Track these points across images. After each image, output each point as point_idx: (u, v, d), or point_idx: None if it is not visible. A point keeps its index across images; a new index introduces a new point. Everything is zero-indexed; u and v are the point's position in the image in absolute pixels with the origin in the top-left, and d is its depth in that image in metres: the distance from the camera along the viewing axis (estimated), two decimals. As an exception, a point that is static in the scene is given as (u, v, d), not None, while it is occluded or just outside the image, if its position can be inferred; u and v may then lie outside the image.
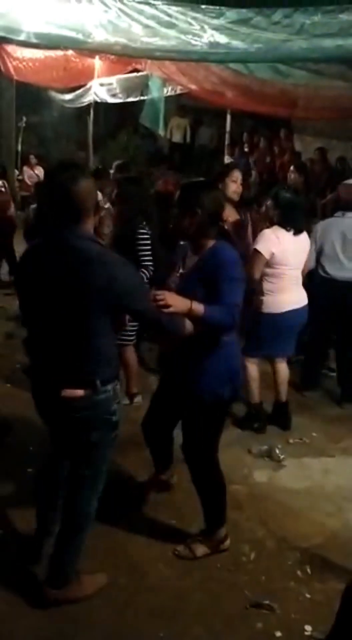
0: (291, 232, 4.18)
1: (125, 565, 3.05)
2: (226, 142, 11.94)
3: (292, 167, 8.90)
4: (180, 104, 12.63)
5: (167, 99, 10.05)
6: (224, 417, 3.10)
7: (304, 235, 4.35)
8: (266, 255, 4.12)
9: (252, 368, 4.40)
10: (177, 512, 3.48)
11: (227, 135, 11.85)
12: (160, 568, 3.05)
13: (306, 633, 2.70)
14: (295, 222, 4.20)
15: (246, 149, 12.85)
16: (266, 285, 4.21)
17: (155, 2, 4.13)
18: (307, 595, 2.93)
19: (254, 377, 4.43)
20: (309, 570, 3.09)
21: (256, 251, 4.13)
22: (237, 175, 4.55)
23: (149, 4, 4.21)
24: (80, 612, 2.74)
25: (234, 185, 4.51)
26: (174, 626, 2.72)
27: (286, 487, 3.80)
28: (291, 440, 4.34)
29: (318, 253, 4.80)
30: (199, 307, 2.67)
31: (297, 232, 4.21)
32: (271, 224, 4.23)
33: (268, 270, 4.18)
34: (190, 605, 2.84)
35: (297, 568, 3.10)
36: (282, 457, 4.09)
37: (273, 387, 4.54)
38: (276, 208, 4.20)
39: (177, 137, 13.64)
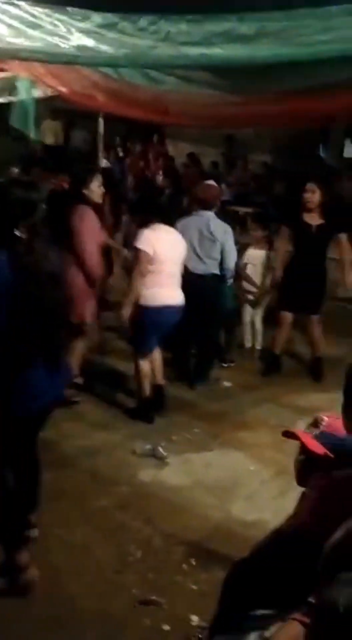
0: (164, 229, 4.44)
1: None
2: (100, 146, 11.93)
3: (160, 172, 9.12)
4: (52, 107, 12.42)
5: (39, 101, 9.84)
6: None
7: (177, 234, 4.59)
8: (150, 252, 4.31)
9: (145, 365, 4.61)
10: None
11: (100, 139, 11.84)
12: (48, 576, 2.99)
13: (193, 623, 2.77)
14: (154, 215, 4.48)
15: (120, 154, 12.93)
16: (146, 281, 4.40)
17: (19, 3, 4.04)
18: (193, 587, 3.01)
19: (147, 374, 4.64)
20: (194, 562, 3.17)
21: (139, 250, 4.33)
22: (100, 179, 4.73)
23: (12, 4, 4.11)
24: None
25: (98, 189, 4.66)
26: (66, 635, 2.69)
27: (170, 484, 3.88)
28: (174, 438, 4.43)
29: None
30: None
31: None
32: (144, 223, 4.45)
33: (149, 267, 4.35)
34: (80, 611, 2.82)
35: (183, 562, 3.18)
36: (165, 454, 4.17)
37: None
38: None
39: (50, 140, 13.44)
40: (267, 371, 5.68)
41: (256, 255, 5.98)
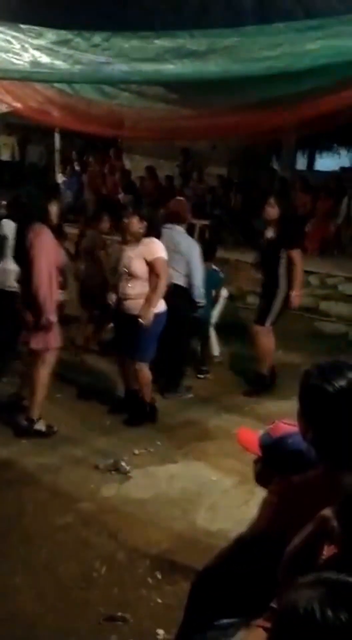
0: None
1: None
2: (57, 161, 11.92)
3: (120, 190, 9.16)
4: (7, 122, 12.36)
5: (-7, 116, 9.80)
6: None
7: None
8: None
9: (148, 371, 4.84)
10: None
11: (57, 154, 11.83)
12: (10, 597, 2.95)
13: (158, 637, 2.76)
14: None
15: (76, 168, 12.91)
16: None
17: (-29, 19, 4.05)
18: (159, 600, 3.00)
19: (150, 380, 4.88)
20: (159, 575, 3.16)
21: (163, 259, 4.64)
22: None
23: None
24: None
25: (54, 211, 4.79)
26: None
27: (134, 498, 3.87)
28: (136, 451, 4.42)
29: None
30: None
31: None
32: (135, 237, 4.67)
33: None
34: (44, 630, 2.78)
35: (148, 575, 3.17)
36: (128, 468, 4.15)
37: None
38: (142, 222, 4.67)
39: (5, 156, 13.36)
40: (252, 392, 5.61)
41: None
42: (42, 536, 3.42)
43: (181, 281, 5.19)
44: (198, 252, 5.30)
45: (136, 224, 4.66)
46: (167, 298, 4.76)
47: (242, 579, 1.87)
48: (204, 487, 4.03)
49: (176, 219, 5.32)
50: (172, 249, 5.03)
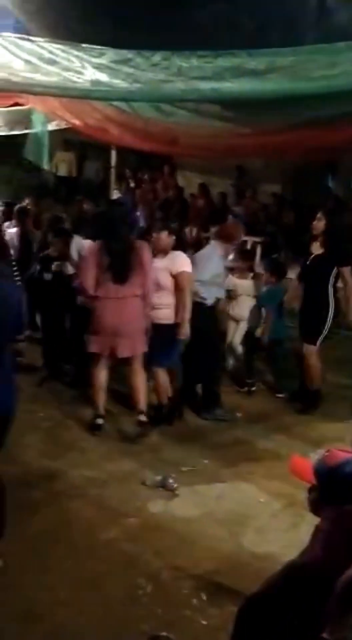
0: None
1: (18, 610, 2.93)
2: (112, 177, 12.11)
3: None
4: (65, 138, 12.67)
5: (52, 133, 10.05)
6: None
7: None
8: None
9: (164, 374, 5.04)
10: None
11: (113, 170, 12.02)
12: (55, 611, 2.95)
13: (203, 660, 2.71)
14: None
15: (131, 184, 13.09)
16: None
17: (36, 39, 4.17)
18: (203, 622, 2.95)
19: (166, 382, 5.08)
20: (204, 596, 3.11)
21: (188, 273, 4.88)
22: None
23: (29, 40, 4.24)
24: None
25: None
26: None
27: (180, 516, 3.83)
28: (183, 469, 4.38)
29: None
30: None
31: None
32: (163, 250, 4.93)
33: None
34: (87, 647, 2.77)
35: (192, 596, 3.12)
36: (175, 486, 4.12)
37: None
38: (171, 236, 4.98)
39: (62, 171, 13.65)
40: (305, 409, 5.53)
41: (238, 284, 6.09)
42: (88, 550, 3.42)
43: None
44: (217, 264, 5.35)
45: (165, 238, 4.92)
46: (192, 318, 4.90)
47: (292, 608, 1.82)
48: (252, 508, 3.96)
49: (225, 237, 5.45)
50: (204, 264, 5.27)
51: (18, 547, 3.36)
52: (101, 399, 4.86)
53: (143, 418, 4.80)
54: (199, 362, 5.23)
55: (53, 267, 5.79)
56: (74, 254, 5.65)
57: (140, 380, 4.86)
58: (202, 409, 5.35)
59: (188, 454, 4.59)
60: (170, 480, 4.15)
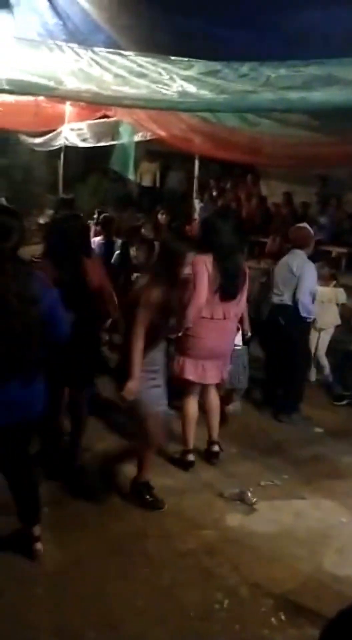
0: None
1: (96, 616, 2.96)
2: (195, 187, 12.18)
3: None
4: (149, 149, 12.87)
5: (137, 144, 10.25)
6: None
7: None
8: None
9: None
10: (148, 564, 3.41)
11: (195, 180, 12.09)
12: (132, 620, 2.97)
13: None
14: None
15: (214, 194, 13.11)
16: None
17: (127, 53, 4.26)
18: (282, 643, 2.88)
19: None
20: (283, 616, 3.04)
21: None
22: None
23: (120, 54, 4.34)
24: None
25: None
26: None
27: (258, 531, 3.77)
28: (262, 483, 4.31)
29: None
30: None
31: None
32: None
33: None
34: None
35: (271, 615, 3.05)
36: (254, 500, 4.06)
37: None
38: None
39: (146, 181, 13.85)
40: None
41: (322, 291, 6.02)
42: (165, 560, 3.42)
43: (289, 301, 5.33)
44: (312, 273, 5.40)
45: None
46: (272, 317, 4.94)
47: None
48: (333, 528, 3.84)
49: (298, 244, 5.50)
50: (287, 270, 5.37)
51: (99, 551, 3.43)
52: (191, 431, 4.44)
53: (216, 449, 4.56)
54: (287, 367, 5.22)
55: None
56: None
57: (216, 405, 4.56)
58: (279, 410, 5.39)
59: (267, 468, 4.52)
60: (249, 494, 4.10)
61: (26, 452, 3.27)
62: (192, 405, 4.43)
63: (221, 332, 4.31)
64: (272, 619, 3.02)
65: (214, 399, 4.55)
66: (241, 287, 4.34)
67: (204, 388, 4.49)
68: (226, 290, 4.21)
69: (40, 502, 3.32)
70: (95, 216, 8.57)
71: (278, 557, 3.52)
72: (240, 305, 4.46)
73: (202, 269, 4.12)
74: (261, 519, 3.91)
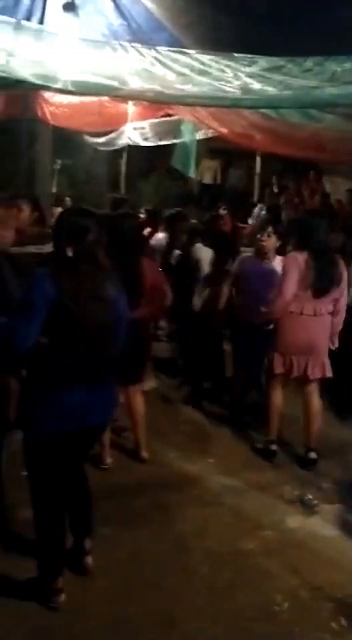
0: None
1: (155, 612, 2.99)
2: (256, 184, 12.09)
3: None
4: (210, 147, 12.86)
5: (198, 141, 10.26)
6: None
7: None
8: None
9: None
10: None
11: (256, 177, 11.99)
12: (190, 618, 2.97)
13: None
14: None
15: (275, 190, 12.96)
16: None
17: (190, 51, 4.27)
18: (343, 650, 2.83)
19: None
20: (344, 622, 2.98)
21: None
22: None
23: (183, 52, 4.35)
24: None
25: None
26: None
27: (319, 534, 3.71)
28: (324, 485, 4.24)
29: None
30: None
31: None
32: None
33: None
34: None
35: (331, 620, 3.00)
36: (315, 502, 4.00)
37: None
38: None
39: (207, 179, 13.86)
40: None
41: None
42: (224, 559, 3.41)
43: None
44: None
45: (274, 242, 4.89)
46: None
47: None
48: None
49: None
50: None
51: (160, 548, 3.45)
52: (276, 423, 4.59)
53: (313, 456, 4.49)
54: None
55: None
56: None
57: (317, 410, 4.54)
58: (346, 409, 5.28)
59: (329, 470, 4.43)
60: (310, 496, 4.04)
61: (87, 458, 3.29)
62: (278, 395, 4.56)
63: (310, 328, 4.35)
64: (332, 624, 2.97)
65: (317, 403, 4.53)
66: (335, 284, 4.34)
67: (306, 389, 4.52)
68: (318, 287, 4.29)
69: (92, 514, 3.22)
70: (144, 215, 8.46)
71: (339, 561, 3.45)
72: (339, 303, 4.43)
73: (292, 266, 4.25)
74: (322, 521, 3.84)
